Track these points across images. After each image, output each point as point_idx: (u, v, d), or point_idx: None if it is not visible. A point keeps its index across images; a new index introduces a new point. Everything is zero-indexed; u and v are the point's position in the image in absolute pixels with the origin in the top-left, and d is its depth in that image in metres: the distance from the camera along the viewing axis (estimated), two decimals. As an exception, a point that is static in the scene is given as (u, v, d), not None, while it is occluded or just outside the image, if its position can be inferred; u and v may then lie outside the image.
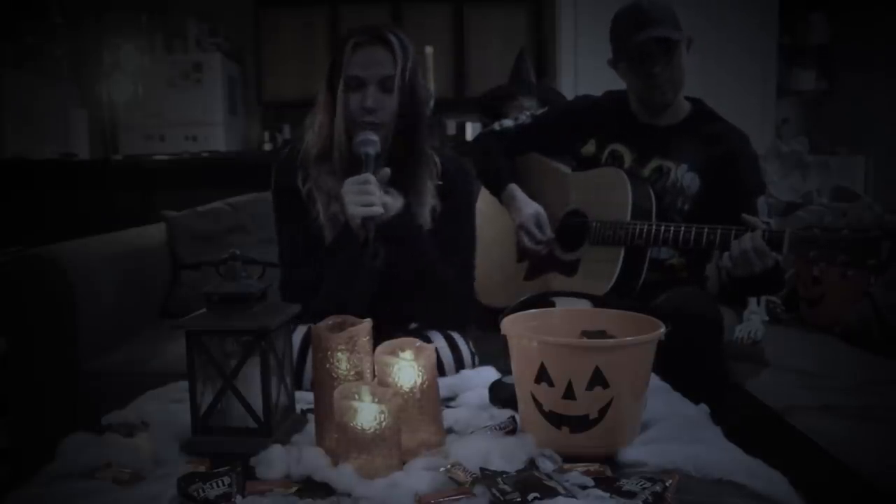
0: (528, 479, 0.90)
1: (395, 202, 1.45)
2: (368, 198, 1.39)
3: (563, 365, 1.01)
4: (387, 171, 1.45)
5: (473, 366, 1.53)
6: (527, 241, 1.90)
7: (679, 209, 1.84)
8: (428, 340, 1.48)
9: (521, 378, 1.08)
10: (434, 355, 1.08)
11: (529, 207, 1.91)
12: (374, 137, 1.44)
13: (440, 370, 1.44)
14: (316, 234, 1.51)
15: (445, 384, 1.29)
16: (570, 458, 1.00)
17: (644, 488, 0.89)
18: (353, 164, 1.45)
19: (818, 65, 4.56)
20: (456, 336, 1.55)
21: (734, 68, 4.29)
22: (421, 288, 1.50)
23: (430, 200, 1.52)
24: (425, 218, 1.51)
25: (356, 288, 1.45)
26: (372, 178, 1.41)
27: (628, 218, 1.77)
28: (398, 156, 1.51)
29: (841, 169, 3.99)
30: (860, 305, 2.13)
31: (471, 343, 1.57)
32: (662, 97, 1.82)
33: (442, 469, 0.96)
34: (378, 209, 1.39)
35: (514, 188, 1.94)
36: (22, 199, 3.14)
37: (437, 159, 1.56)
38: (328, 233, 1.50)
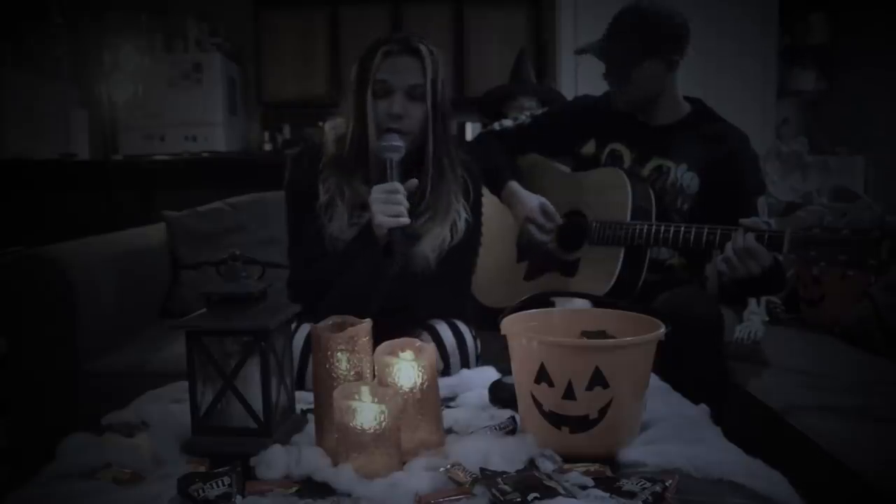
0: (528, 479, 0.90)
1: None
2: (397, 208, 1.40)
3: (563, 365, 1.02)
4: (414, 181, 1.45)
5: (476, 350, 1.56)
6: (536, 234, 1.90)
7: (679, 209, 1.84)
8: (432, 328, 1.52)
9: (521, 378, 1.08)
10: (434, 355, 1.08)
11: (534, 199, 1.91)
12: (399, 142, 1.45)
13: (443, 356, 1.48)
14: (330, 234, 1.50)
15: (445, 384, 1.29)
16: (570, 458, 1.00)
17: (644, 488, 0.89)
18: (383, 171, 1.46)
19: (818, 65, 4.55)
20: (458, 323, 1.57)
21: (734, 68, 4.28)
22: (421, 283, 1.52)
23: (461, 218, 1.53)
24: (455, 235, 1.52)
25: (370, 294, 1.45)
26: (400, 187, 1.42)
27: (628, 218, 1.77)
28: (434, 170, 1.51)
29: (841, 169, 3.99)
30: (860, 306, 2.13)
31: (473, 329, 1.59)
32: (623, 104, 1.87)
33: (442, 469, 0.97)
34: (405, 219, 1.40)
35: (515, 185, 1.94)
36: (22, 199, 3.14)
37: (465, 176, 1.56)
38: (344, 233, 1.49)
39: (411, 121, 1.48)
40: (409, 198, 1.43)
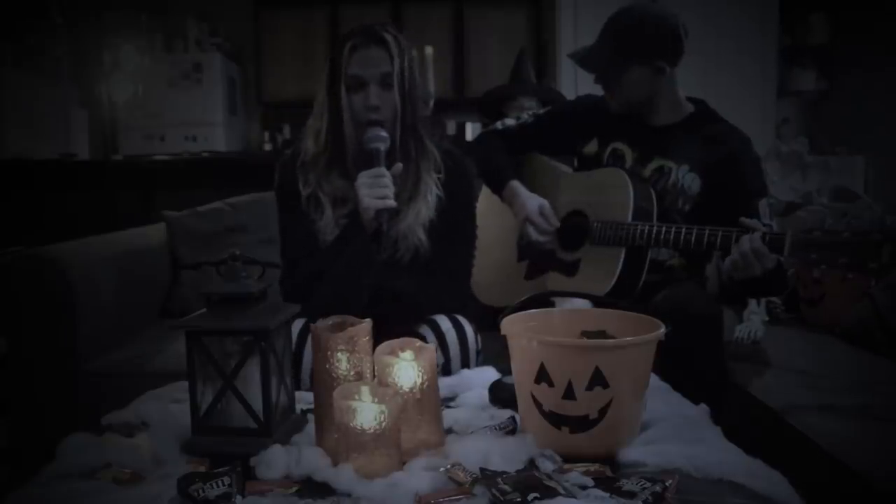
0: (528, 479, 0.90)
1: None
2: (383, 191, 1.45)
3: (563, 365, 1.01)
4: (399, 165, 1.50)
5: (478, 345, 1.57)
6: (534, 235, 1.90)
7: (680, 210, 1.84)
8: (432, 321, 1.54)
9: (521, 378, 1.08)
10: (434, 355, 1.08)
11: (534, 201, 1.91)
12: (384, 133, 1.49)
13: (444, 349, 1.50)
14: (318, 234, 1.54)
15: (445, 384, 1.29)
16: (570, 458, 1.00)
17: (644, 488, 0.89)
18: (364, 163, 1.50)
19: (818, 65, 4.55)
20: (459, 317, 1.59)
21: (734, 69, 4.29)
22: (420, 276, 1.54)
23: (431, 192, 1.57)
24: (427, 209, 1.56)
25: (360, 282, 1.48)
26: (385, 171, 1.47)
27: (629, 218, 1.77)
28: (402, 150, 1.55)
29: (841, 169, 3.99)
30: (860, 305, 2.13)
31: (473, 325, 1.60)
32: (617, 107, 1.88)
33: (442, 469, 0.96)
34: (392, 202, 1.45)
35: (516, 184, 1.95)
36: (22, 199, 3.14)
37: (436, 153, 1.61)
38: (332, 233, 1.54)
39: (387, 109, 1.52)
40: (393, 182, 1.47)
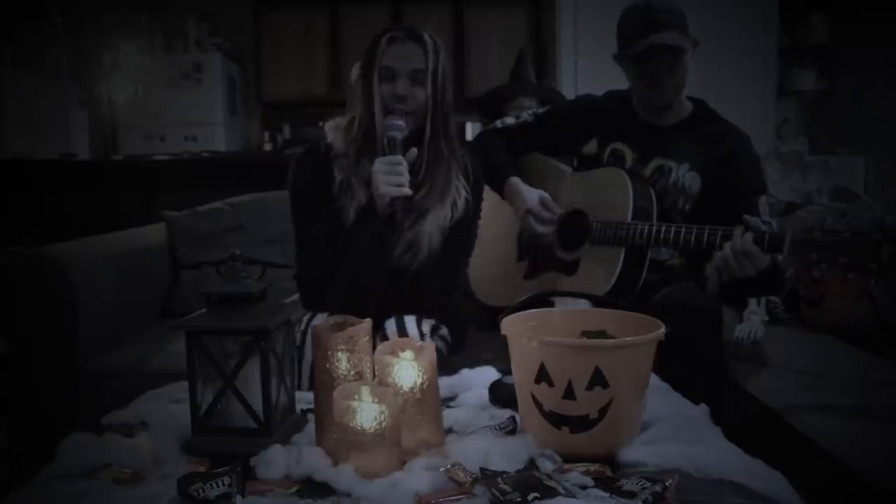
0: (528, 479, 0.90)
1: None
2: (399, 178, 1.47)
3: (563, 365, 1.01)
4: (414, 150, 1.53)
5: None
6: (536, 226, 1.91)
7: (680, 209, 1.84)
8: (403, 325, 1.55)
9: (521, 378, 1.08)
10: (434, 355, 1.08)
11: (534, 193, 1.93)
12: (401, 122, 1.53)
13: None
14: (343, 223, 1.55)
15: (445, 384, 1.29)
16: (570, 458, 1.00)
17: (644, 488, 0.89)
18: (386, 148, 1.53)
19: (818, 65, 4.55)
20: (424, 322, 1.59)
21: (734, 69, 4.28)
22: (416, 281, 1.56)
23: (460, 196, 1.60)
24: (456, 212, 1.59)
25: (378, 265, 1.52)
26: (402, 159, 1.50)
27: (629, 218, 1.77)
28: (432, 150, 1.58)
29: (841, 169, 3.99)
30: (860, 306, 2.13)
31: (444, 327, 1.62)
32: (663, 100, 1.84)
33: (442, 469, 0.97)
34: (407, 190, 1.48)
35: (516, 180, 1.95)
36: (22, 199, 3.14)
37: (466, 158, 1.64)
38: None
39: (415, 102, 1.55)
40: (409, 170, 1.50)
